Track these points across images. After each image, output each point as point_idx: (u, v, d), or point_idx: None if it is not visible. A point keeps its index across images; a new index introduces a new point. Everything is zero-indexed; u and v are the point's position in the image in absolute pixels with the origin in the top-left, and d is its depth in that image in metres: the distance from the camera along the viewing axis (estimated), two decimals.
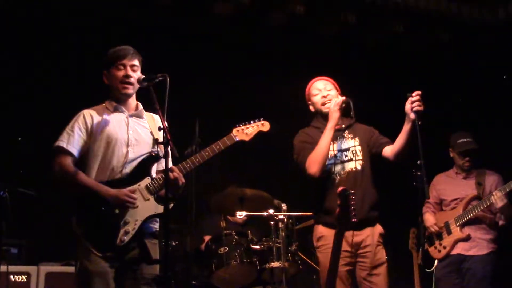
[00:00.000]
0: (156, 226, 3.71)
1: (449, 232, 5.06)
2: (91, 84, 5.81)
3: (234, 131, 3.90)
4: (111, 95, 3.79)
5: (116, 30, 6.23)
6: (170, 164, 3.49)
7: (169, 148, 3.35)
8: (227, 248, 5.18)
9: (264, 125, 4.01)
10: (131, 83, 3.70)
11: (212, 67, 6.59)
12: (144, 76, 3.64)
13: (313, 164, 4.07)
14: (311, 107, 4.41)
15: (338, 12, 6.72)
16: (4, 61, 5.87)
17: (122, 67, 3.70)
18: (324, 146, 4.07)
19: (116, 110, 3.74)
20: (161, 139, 3.50)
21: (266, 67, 6.79)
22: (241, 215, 5.41)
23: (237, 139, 3.87)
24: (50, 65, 6.08)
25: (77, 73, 6.08)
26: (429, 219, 5.18)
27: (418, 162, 3.94)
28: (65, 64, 6.12)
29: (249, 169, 6.63)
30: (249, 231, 5.39)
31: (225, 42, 6.71)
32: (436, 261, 5.13)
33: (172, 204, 3.53)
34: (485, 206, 4.90)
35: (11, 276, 5.09)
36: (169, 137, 3.35)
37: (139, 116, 3.80)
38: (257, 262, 5.17)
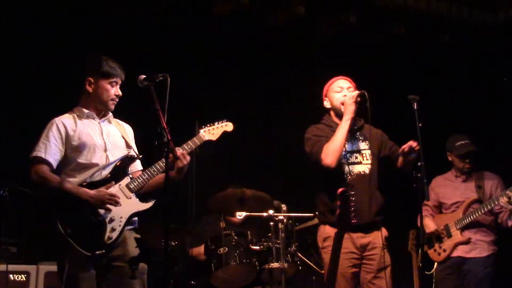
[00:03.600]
0: (135, 219, 3.83)
1: (449, 235, 5.06)
2: None
3: (202, 131, 4.02)
4: (85, 102, 3.84)
5: (116, 30, 6.23)
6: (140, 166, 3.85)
7: (166, 148, 3.41)
8: (227, 249, 5.18)
9: (227, 126, 4.14)
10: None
11: (212, 67, 6.59)
12: (145, 76, 3.66)
13: (329, 155, 4.01)
14: (326, 103, 4.35)
15: (339, 13, 6.72)
16: (3, 61, 5.86)
17: (115, 84, 3.82)
18: (341, 137, 4.03)
19: (88, 117, 3.83)
20: (131, 144, 3.84)
21: (266, 67, 6.78)
22: (240, 215, 5.41)
23: (206, 139, 4.00)
24: (49, 65, 6.07)
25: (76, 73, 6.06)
26: (429, 225, 5.16)
27: (418, 163, 3.95)
28: (64, 64, 6.10)
29: (249, 169, 6.62)
30: (248, 232, 5.39)
31: (225, 42, 6.71)
32: (435, 263, 5.13)
33: (153, 202, 3.74)
34: (488, 208, 4.88)
35: (10, 275, 5.09)
36: (169, 137, 3.36)
37: (109, 121, 3.92)
38: (257, 263, 5.17)
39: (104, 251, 3.57)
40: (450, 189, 5.24)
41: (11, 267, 5.05)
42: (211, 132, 4.03)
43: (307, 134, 4.26)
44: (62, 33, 6.11)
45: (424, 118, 4.03)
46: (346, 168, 4.11)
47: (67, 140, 3.70)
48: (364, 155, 4.19)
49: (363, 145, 4.21)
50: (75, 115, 3.82)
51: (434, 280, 5.10)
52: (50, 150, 3.65)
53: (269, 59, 6.86)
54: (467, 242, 4.98)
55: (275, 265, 4.98)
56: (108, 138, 3.81)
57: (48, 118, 5.64)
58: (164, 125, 3.39)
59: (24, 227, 5.55)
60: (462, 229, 5.01)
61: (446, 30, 7.08)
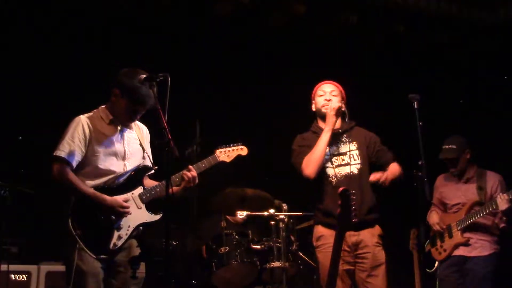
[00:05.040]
0: (141, 228, 3.84)
1: (450, 235, 5.07)
2: (90, 85, 5.85)
3: (217, 152, 4.10)
4: (110, 106, 3.83)
5: (116, 30, 6.23)
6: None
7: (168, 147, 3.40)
8: (228, 248, 5.19)
9: (242, 150, 4.23)
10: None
11: (213, 67, 6.59)
12: (145, 76, 3.66)
13: (309, 165, 4.17)
14: (313, 106, 4.48)
15: (339, 13, 6.72)
16: (4, 61, 5.86)
17: (138, 109, 3.77)
18: (321, 148, 4.17)
19: (111, 123, 3.81)
20: (147, 150, 3.86)
21: (266, 67, 6.79)
22: (241, 215, 5.42)
23: (220, 160, 4.09)
24: (50, 64, 6.07)
25: (76, 73, 6.07)
26: (433, 217, 5.19)
27: (419, 162, 3.95)
28: (64, 64, 6.11)
29: (250, 169, 6.63)
30: (249, 231, 5.40)
31: (225, 42, 6.71)
32: (437, 262, 5.15)
33: (161, 215, 3.77)
34: (489, 210, 4.88)
35: (12, 275, 5.10)
36: (169, 137, 3.37)
37: (130, 127, 3.90)
38: (258, 262, 5.18)
39: (107, 257, 3.62)
40: (451, 189, 5.24)
41: (12, 267, 5.06)
42: (226, 154, 4.12)
43: (293, 145, 4.42)
44: (61, 32, 6.10)
45: (425, 117, 4.04)
46: (332, 171, 4.22)
47: (90, 142, 3.70)
48: (351, 156, 4.27)
49: (351, 146, 4.31)
50: (101, 117, 3.80)
51: (437, 278, 5.10)
52: (73, 151, 3.64)
53: (269, 58, 6.86)
54: (466, 243, 4.99)
55: (276, 264, 4.99)
56: (128, 147, 3.82)
57: (48, 119, 5.67)
58: (165, 124, 3.39)
59: (25, 227, 5.56)
60: (463, 230, 5.01)
61: (445, 30, 7.07)
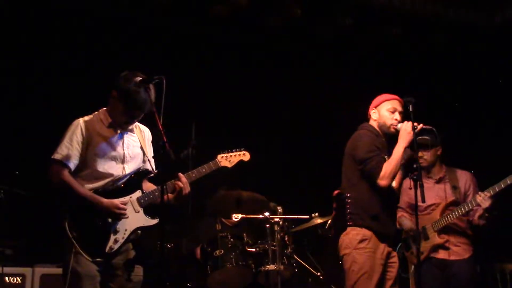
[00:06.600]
0: (138, 232, 3.82)
1: (426, 238, 5.02)
2: (89, 85, 5.84)
3: (219, 157, 4.06)
4: (109, 108, 3.81)
5: (116, 30, 6.22)
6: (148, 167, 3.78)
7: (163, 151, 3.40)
8: (223, 251, 5.18)
9: (245, 155, 4.18)
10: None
11: (209, 69, 6.59)
12: (140, 78, 3.65)
13: (389, 178, 4.18)
14: (373, 114, 4.45)
15: (335, 15, 6.73)
16: (1, 61, 5.85)
17: (135, 114, 3.75)
18: (398, 163, 4.20)
19: (110, 126, 3.80)
20: (149, 153, 3.82)
21: (263, 69, 6.79)
22: (237, 217, 5.41)
23: (221, 165, 4.05)
24: (48, 65, 6.06)
25: (75, 74, 6.06)
26: (407, 223, 5.14)
27: (414, 165, 3.96)
28: (63, 64, 6.10)
29: (245, 171, 6.63)
30: (244, 234, 5.39)
31: (223, 44, 6.71)
32: (412, 266, 5.09)
33: (157, 220, 3.74)
34: (468, 208, 4.86)
35: (6, 278, 5.08)
36: (165, 139, 3.37)
37: (131, 130, 3.88)
38: (253, 265, 5.18)
39: (103, 260, 3.61)
40: (424, 191, 5.17)
41: (7, 269, 5.05)
42: (227, 159, 4.08)
43: (364, 138, 4.33)
44: (61, 32, 6.10)
45: (420, 119, 4.05)
46: None
47: (88, 145, 3.69)
48: None
49: None
50: (100, 119, 3.79)
51: (415, 281, 5.02)
52: (72, 155, 3.65)
53: (265, 60, 6.86)
54: (444, 244, 4.96)
55: (271, 267, 4.99)
56: (127, 150, 3.80)
57: (46, 120, 5.65)
58: (160, 126, 3.39)
59: (20, 229, 5.54)
60: (439, 231, 4.99)
61: (442, 32, 7.09)
